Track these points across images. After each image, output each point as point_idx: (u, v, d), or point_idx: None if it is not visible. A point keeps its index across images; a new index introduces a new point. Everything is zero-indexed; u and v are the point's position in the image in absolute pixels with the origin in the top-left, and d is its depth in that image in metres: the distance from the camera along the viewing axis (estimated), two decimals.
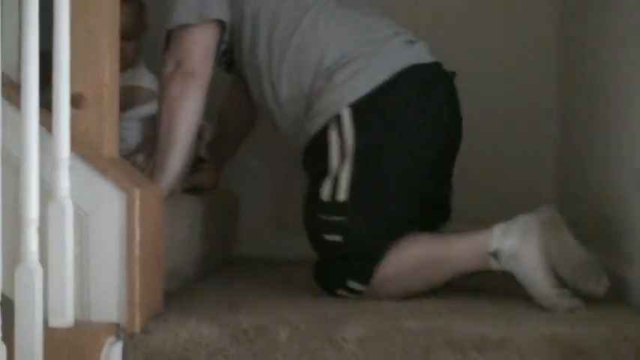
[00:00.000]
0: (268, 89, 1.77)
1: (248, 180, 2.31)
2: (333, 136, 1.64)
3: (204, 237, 1.92)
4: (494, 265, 1.61)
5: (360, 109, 1.63)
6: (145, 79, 2.01)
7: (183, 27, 1.75)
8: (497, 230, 1.60)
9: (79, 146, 1.37)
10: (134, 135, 1.97)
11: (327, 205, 1.64)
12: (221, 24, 1.78)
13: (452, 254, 1.62)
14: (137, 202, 1.37)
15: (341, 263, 1.65)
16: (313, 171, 1.71)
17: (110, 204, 1.38)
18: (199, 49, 1.75)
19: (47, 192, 1.29)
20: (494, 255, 1.59)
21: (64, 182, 1.30)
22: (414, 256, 1.64)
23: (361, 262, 1.62)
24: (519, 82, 2.32)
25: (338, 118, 1.63)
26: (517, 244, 1.57)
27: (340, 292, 1.65)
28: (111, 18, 1.44)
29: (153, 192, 1.47)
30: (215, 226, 2.02)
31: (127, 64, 1.92)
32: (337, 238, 1.63)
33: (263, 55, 1.76)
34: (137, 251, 1.38)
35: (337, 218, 1.63)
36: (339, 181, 1.63)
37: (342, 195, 1.63)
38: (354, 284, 1.64)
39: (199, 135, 1.92)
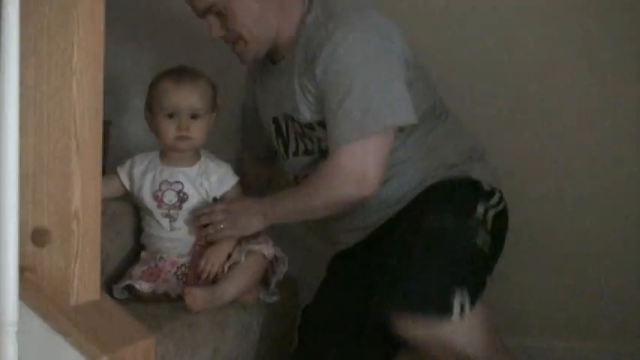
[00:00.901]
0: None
1: (311, 266, 1.95)
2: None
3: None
4: None
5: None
6: (230, 177, 1.73)
7: (372, 134, 1.52)
8: None
9: (37, 295, 1.08)
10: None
11: (482, 222, 1.57)
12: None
13: None
14: None
15: (464, 272, 1.48)
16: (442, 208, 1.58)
17: None
18: (383, 164, 1.56)
19: None
20: None
21: (8, 353, 1.01)
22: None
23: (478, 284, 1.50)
24: None
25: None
26: None
27: (457, 299, 1.41)
28: (91, 115, 1.12)
29: (138, 350, 1.14)
30: (259, 339, 1.68)
31: (188, 145, 1.68)
32: (485, 250, 1.54)
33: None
34: None
35: (486, 237, 1.55)
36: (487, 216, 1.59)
37: (489, 224, 1.58)
38: (466, 298, 1.43)
39: (273, 269, 1.70)
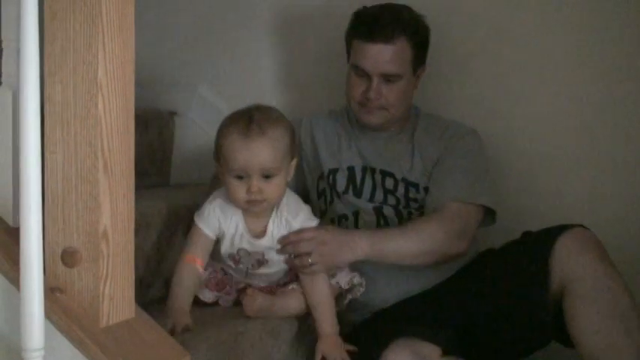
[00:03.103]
0: None
1: None
2: None
3: None
4: None
5: None
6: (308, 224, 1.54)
7: (480, 208, 1.68)
8: None
9: (65, 317, 1.06)
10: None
11: None
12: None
13: None
14: None
15: None
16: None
17: None
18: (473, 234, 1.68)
19: None
20: None
21: None
22: None
23: None
24: None
25: None
26: None
27: None
28: (120, 133, 1.08)
29: None
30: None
31: (262, 207, 1.47)
32: None
33: None
34: None
35: None
36: None
37: None
38: None
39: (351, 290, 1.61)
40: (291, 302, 1.52)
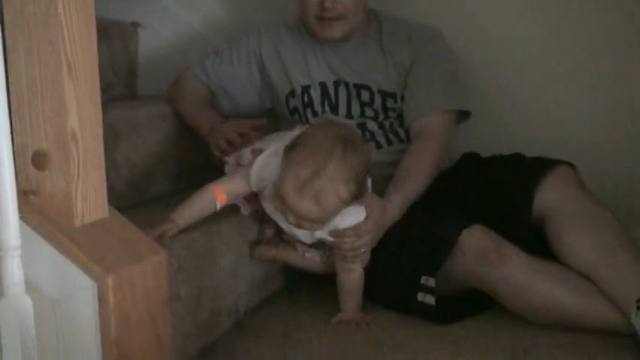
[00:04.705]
0: None
1: None
2: None
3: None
4: (636, 321, 1.39)
5: None
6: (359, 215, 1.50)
7: (454, 114, 1.77)
8: None
9: (41, 218, 1.09)
10: None
11: None
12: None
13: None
14: (110, 293, 1.07)
15: None
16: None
17: (80, 292, 1.09)
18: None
19: None
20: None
21: (14, 277, 1.03)
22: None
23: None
24: None
25: None
26: None
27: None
28: (82, 34, 1.08)
29: (146, 267, 1.15)
30: None
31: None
32: None
33: None
34: (115, 351, 1.09)
35: None
36: None
37: None
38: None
39: None
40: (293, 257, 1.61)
